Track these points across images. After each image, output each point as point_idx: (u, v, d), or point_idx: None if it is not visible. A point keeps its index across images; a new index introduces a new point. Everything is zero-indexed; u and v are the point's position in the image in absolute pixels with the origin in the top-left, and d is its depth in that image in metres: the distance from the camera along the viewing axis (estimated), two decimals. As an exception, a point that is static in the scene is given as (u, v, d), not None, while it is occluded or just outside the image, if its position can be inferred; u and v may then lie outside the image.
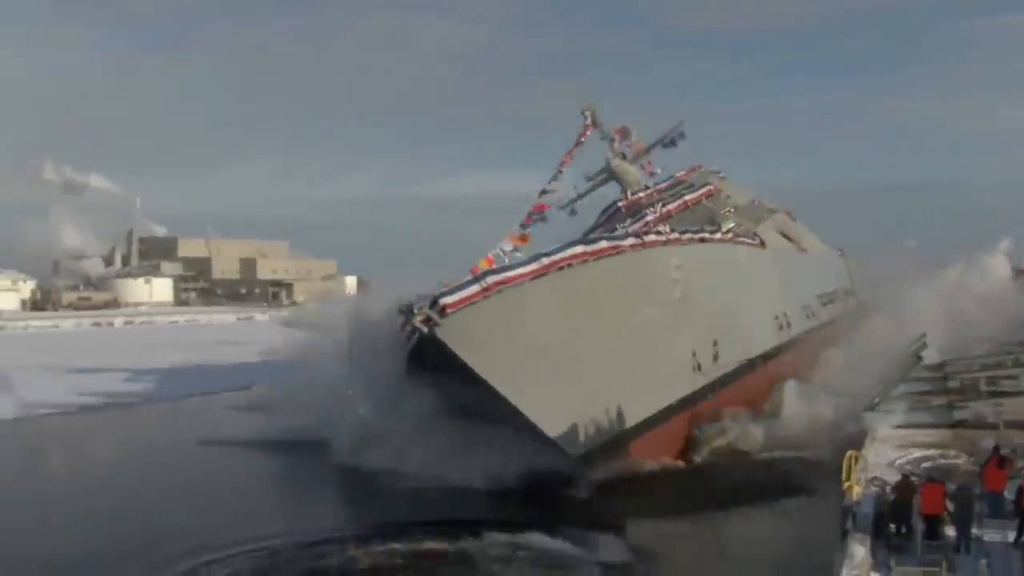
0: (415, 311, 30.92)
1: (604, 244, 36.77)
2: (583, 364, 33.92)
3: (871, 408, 33.40)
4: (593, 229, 55.21)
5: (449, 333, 31.01)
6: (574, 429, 34.08)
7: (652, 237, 39.78)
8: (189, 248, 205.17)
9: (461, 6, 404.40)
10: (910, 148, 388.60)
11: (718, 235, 48.28)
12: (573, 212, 53.59)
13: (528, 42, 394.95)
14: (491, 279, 32.06)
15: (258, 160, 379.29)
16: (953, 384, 38.34)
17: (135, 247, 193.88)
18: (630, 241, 38.14)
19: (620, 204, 55.68)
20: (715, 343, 41.94)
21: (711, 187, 59.30)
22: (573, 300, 33.93)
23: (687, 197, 56.02)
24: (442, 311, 30.73)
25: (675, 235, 41.85)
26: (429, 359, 32.77)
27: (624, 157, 58.56)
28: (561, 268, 33.99)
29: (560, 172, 47.17)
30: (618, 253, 36.87)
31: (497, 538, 28.06)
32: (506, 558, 26.89)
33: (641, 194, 55.44)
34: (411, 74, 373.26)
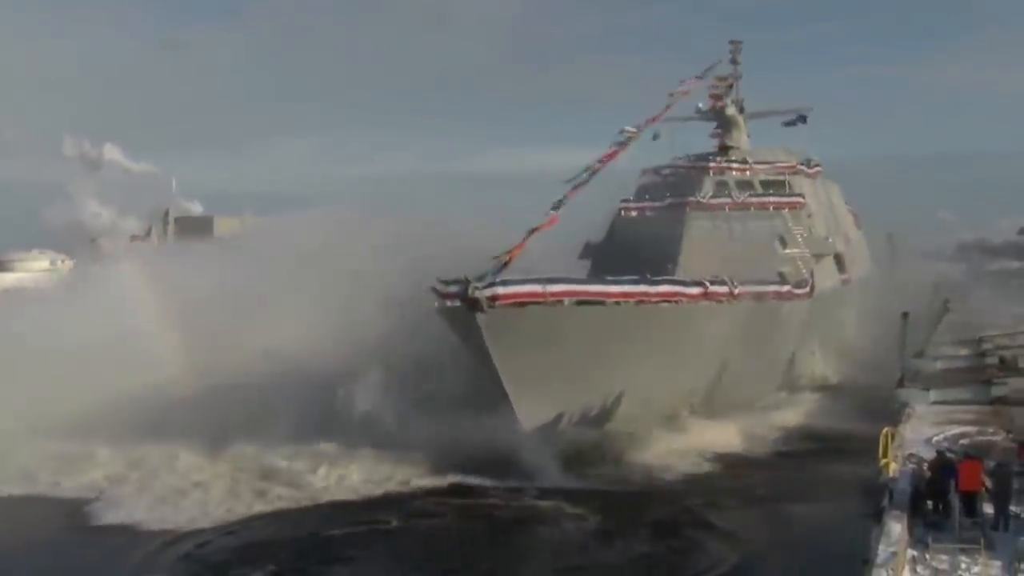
0: (470, 290, 31.06)
1: (665, 288, 36.56)
2: (590, 390, 34.47)
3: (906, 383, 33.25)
4: (663, 176, 54.12)
5: (489, 322, 31.21)
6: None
7: (714, 289, 38.72)
8: (225, 227, 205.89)
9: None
10: (953, 119, 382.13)
11: (772, 287, 45.12)
12: (656, 136, 48.96)
13: (561, 18, 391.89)
14: (550, 288, 32.30)
15: (297, 138, 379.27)
16: (991, 360, 38.02)
17: (171, 227, 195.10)
18: (694, 291, 37.64)
19: (711, 165, 53.10)
20: (715, 386, 41.02)
21: (800, 200, 54.32)
22: (611, 332, 34.00)
23: (773, 200, 52.81)
24: (492, 300, 30.88)
25: (732, 287, 39.98)
26: (460, 323, 33.03)
27: (742, 111, 57.79)
28: (617, 302, 34.28)
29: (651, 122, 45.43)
30: (673, 302, 36.61)
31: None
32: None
33: (734, 166, 53.54)
34: (448, 50, 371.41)
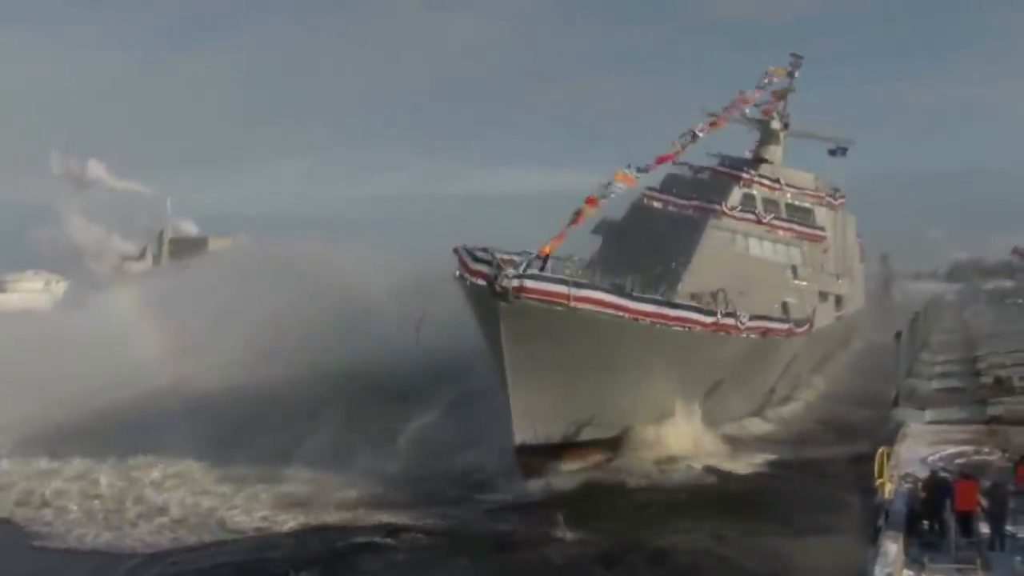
0: (500, 278, 31.21)
1: (682, 314, 36.57)
2: (587, 390, 34.45)
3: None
4: (694, 171, 53.64)
5: (509, 312, 31.46)
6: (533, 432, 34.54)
7: (725, 321, 38.76)
8: (219, 247, 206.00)
9: (488, 3, 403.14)
10: (945, 137, 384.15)
11: (784, 325, 44.99)
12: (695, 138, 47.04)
13: (553, 39, 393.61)
14: (575, 292, 32.42)
15: (291, 158, 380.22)
16: (986, 380, 38.03)
17: (166, 247, 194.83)
18: (710, 320, 37.78)
19: (743, 176, 52.19)
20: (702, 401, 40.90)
21: (821, 234, 54.06)
22: (621, 341, 34.14)
23: (796, 228, 52.32)
24: (518, 291, 31.12)
25: (740, 322, 40.04)
26: (479, 302, 33.11)
27: (786, 127, 57.32)
28: (635, 318, 34.40)
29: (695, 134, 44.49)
30: (686, 328, 36.69)
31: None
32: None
33: (765, 182, 52.84)
34: (442, 71, 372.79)
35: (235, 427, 39.33)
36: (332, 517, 32.33)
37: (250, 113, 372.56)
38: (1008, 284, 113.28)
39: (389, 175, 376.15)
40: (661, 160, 42.32)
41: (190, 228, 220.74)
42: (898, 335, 39.51)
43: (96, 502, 34.53)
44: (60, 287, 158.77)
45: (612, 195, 38.38)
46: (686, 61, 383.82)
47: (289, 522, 32.04)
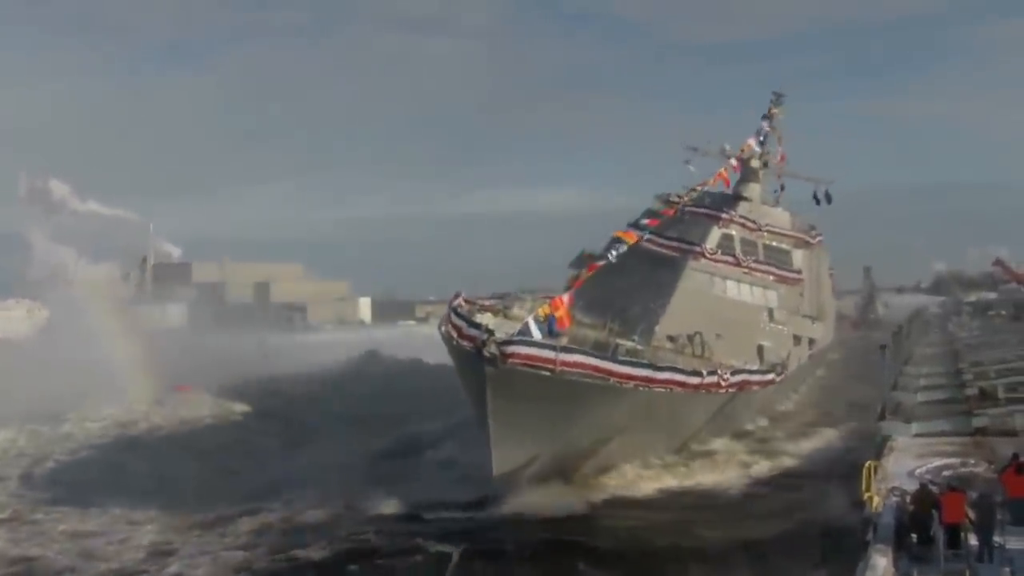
0: (488, 341, 31.29)
1: (668, 376, 36.25)
2: (568, 442, 34.25)
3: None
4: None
5: (496, 376, 31.42)
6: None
7: (708, 380, 38.35)
8: (203, 273, 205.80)
9: (463, 25, 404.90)
10: (923, 151, 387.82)
11: (764, 376, 44.65)
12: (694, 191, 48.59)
13: (530, 61, 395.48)
14: (562, 357, 32.27)
15: (271, 183, 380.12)
16: (971, 392, 38.18)
17: (149, 273, 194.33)
18: (695, 381, 37.63)
19: (722, 216, 52.69)
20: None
21: (798, 277, 54.21)
22: (603, 400, 34.02)
23: (776, 272, 52.63)
24: (505, 357, 31.21)
25: (723, 379, 39.61)
26: (465, 363, 33.27)
27: (766, 165, 57.56)
28: (619, 382, 34.13)
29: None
30: (670, 390, 36.42)
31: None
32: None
33: (746, 222, 53.07)
34: (421, 94, 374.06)
35: None
36: None
37: (230, 138, 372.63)
38: (991, 296, 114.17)
39: (368, 197, 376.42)
40: (662, 214, 42.91)
41: (172, 251, 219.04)
42: (883, 348, 39.67)
43: None
44: (42, 315, 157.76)
45: (612, 256, 38.88)
46: (662, 81, 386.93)
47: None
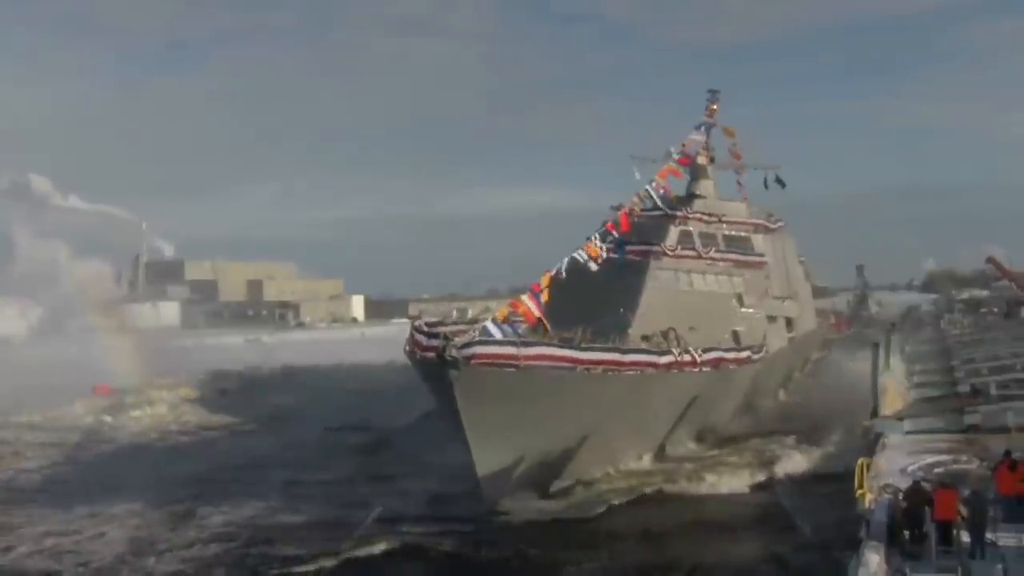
0: (447, 347, 31.19)
1: (636, 358, 36.73)
2: (550, 441, 34.31)
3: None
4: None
5: (461, 380, 31.31)
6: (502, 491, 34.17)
7: (681, 359, 38.96)
8: (195, 271, 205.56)
9: (454, 26, 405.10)
10: (917, 153, 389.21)
11: (731, 355, 44.76)
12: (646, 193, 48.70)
13: (524, 63, 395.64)
14: (525, 351, 32.31)
15: (264, 183, 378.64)
16: (963, 388, 38.27)
17: (142, 272, 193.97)
18: (666, 360, 38.01)
19: (677, 215, 53.46)
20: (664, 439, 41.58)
21: (761, 260, 55.39)
22: (578, 392, 34.14)
23: (735, 257, 53.72)
24: (468, 359, 31.13)
25: (697, 356, 40.21)
26: (432, 375, 33.18)
27: (712, 161, 58.88)
28: (587, 368, 34.29)
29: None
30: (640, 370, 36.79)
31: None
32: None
33: (703, 216, 54.12)
34: (412, 95, 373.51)
35: None
36: None
37: (223, 138, 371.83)
38: (983, 293, 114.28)
39: (361, 197, 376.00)
40: (620, 220, 43.62)
41: (164, 248, 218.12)
42: (875, 345, 39.74)
43: None
44: (36, 314, 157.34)
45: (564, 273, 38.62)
46: (658, 82, 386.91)
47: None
